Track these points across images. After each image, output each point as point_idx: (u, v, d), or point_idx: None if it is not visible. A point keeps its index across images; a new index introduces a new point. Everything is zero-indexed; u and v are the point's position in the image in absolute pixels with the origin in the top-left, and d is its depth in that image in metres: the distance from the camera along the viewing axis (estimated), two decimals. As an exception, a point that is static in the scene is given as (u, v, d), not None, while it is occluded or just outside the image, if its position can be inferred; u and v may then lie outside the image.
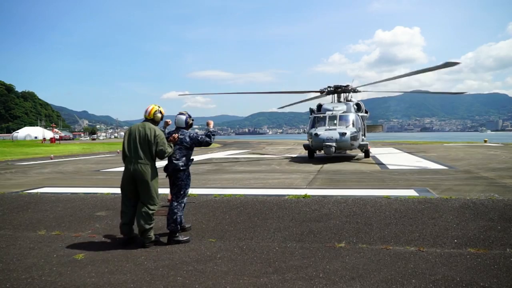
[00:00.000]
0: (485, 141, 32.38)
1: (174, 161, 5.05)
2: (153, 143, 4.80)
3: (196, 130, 5.71)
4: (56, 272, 3.95)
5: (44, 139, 66.19)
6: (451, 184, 9.00)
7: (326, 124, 16.29)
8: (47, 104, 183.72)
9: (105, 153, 29.17)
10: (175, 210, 4.96)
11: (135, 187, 4.84)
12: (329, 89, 20.16)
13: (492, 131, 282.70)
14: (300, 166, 14.56)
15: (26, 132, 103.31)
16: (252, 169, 14.07)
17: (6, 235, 5.51)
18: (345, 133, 15.27)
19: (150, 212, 4.79)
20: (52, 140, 59.01)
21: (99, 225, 5.94)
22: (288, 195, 7.29)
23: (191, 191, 6.57)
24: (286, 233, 5.25)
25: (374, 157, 17.82)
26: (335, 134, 15.19)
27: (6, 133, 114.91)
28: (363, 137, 18.26)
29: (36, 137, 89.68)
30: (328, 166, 14.06)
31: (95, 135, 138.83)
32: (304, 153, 20.66)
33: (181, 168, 5.04)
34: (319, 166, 14.24)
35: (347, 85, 19.95)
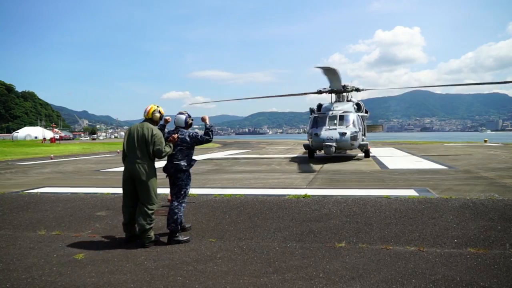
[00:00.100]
0: (485, 141, 32.40)
1: (176, 162, 5.04)
2: (150, 142, 4.81)
3: (196, 130, 5.71)
4: (56, 272, 3.95)
5: (44, 139, 66.18)
6: (451, 184, 9.00)
7: (326, 124, 16.28)
8: (47, 104, 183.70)
9: (105, 153, 29.18)
10: (176, 210, 4.96)
11: (135, 187, 4.85)
12: (329, 89, 20.15)
13: (492, 131, 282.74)
14: (300, 166, 14.57)
15: (26, 132, 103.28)
16: (252, 169, 14.08)
17: (6, 235, 5.51)
18: (345, 133, 15.26)
19: (149, 211, 4.79)
20: (52, 140, 58.98)
21: (99, 225, 5.94)
22: (288, 195, 7.29)
23: (191, 191, 6.57)
24: (286, 233, 5.25)
25: (374, 157, 17.82)
26: (335, 134, 15.19)
27: (6, 133, 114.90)
28: (363, 137, 18.25)
29: (36, 137, 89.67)
30: (328, 166, 14.06)
31: (95, 135, 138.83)
32: (304, 153, 20.66)
33: (184, 168, 5.04)
34: (319, 166, 14.24)
35: (347, 85, 19.94)
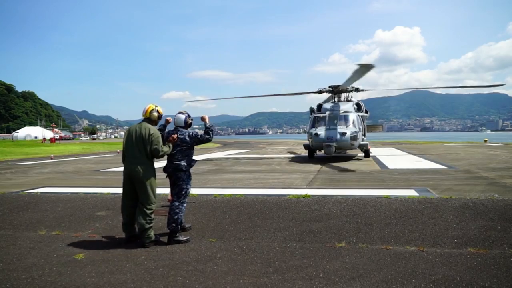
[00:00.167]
0: (485, 141, 32.40)
1: (176, 162, 5.04)
2: (147, 142, 4.81)
3: (196, 130, 5.71)
4: (56, 272, 3.95)
5: (44, 139, 66.17)
6: (451, 184, 9.00)
7: (326, 124, 16.28)
8: (47, 104, 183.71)
9: (105, 153, 29.18)
10: (177, 210, 4.95)
11: (134, 187, 4.85)
12: (329, 88, 20.15)
13: (492, 131, 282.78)
14: (300, 166, 14.57)
15: (26, 132, 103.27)
16: (252, 169, 14.07)
17: (6, 235, 5.50)
18: (345, 133, 15.26)
19: (148, 211, 4.79)
20: (52, 140, 58.98)
21: (99, 225, 5.94)
22: (288, 195, 7.29)
23: (191, 191, 6.57)
24: (286, 233, 5.25)
25: (374, 157, 17.82)
26: (335, 134, 15.19)
27: (6, 133, 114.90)
28: (363, 137, 18.25)
29: (36, 137, 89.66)
30: (328, 166, 14.06)
31: (95, 135, 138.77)
32: (304, 153, 20.66)
33: (184, 168, 5.04)
34: (319, 166, 14.25)
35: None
